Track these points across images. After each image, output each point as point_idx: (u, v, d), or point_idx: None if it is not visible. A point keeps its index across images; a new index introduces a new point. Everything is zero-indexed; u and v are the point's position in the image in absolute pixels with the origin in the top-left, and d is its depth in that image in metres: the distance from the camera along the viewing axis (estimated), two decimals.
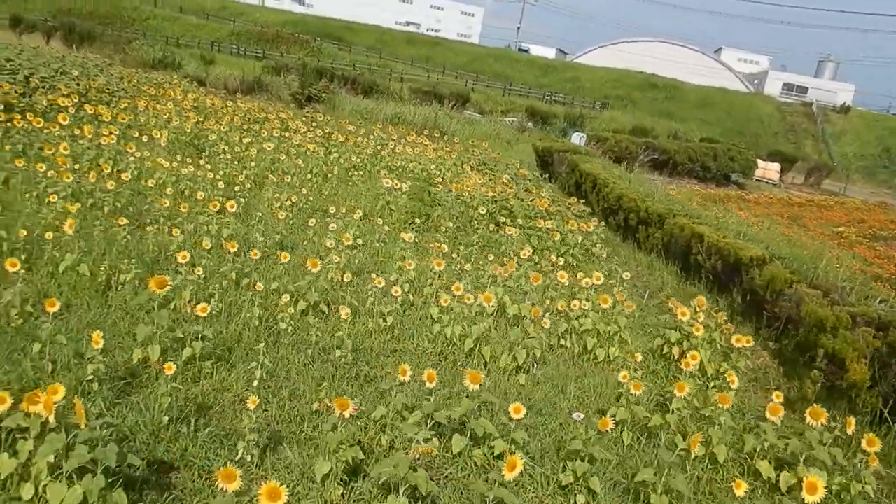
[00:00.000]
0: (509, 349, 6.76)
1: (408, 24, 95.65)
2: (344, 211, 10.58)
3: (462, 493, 4.54)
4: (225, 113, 18.71)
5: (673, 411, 5.79)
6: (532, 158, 24.56)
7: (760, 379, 8.02)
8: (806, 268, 9.80)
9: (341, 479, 4.25)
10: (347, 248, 8.44)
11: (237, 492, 3.35)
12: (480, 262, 9.69)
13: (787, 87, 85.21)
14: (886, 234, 24.16)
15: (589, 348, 7.40)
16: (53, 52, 25.62)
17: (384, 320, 7.08)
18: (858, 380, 7.01)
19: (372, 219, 11.42)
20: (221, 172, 11.50)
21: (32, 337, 5.18)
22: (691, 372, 6.72)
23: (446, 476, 4.72)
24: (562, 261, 10.10)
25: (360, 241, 9.08)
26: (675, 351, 7.48)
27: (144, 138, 12.55)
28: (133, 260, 6.79)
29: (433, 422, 4.85)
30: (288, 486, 3.75)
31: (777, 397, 5.82)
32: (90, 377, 4.72)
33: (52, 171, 8.79)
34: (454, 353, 6.85)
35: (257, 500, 3.27)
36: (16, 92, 14.28)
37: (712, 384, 7.20)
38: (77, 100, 14.40)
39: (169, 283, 5.28)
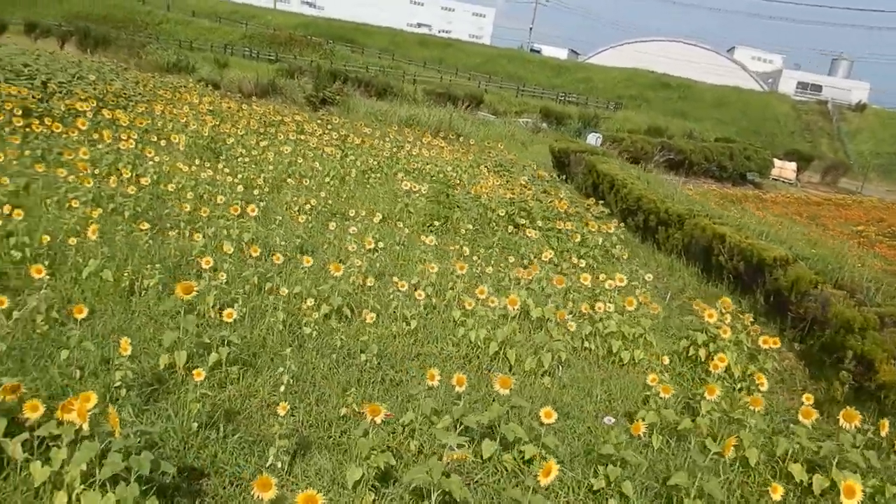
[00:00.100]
0: (534, 352, 6.70)
1: (419, 25, 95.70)
2: (363, 214, 10.55)
3: (494, 499, 4.49)
4: (241, 116, 18.75)
5: (703, 414, 5.72)
6: (547, 159, 24.48)
7: (787, 380, 7.93)
8: (831, 268, 9.70)
9: (372, 486, 4.22)
10: (368, 251, 8.41)
11: (272, 500, 3.31)
12: (501, 265, 9.64)
13: (802, 85, 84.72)
14: None
15: (614, 351, 7.34)
16: (69, 56, 25.81)
17: (407, 324, 7.04)
18: (888, 381, 6.91)
19: (391, 222, 11.39)
20: (240, 176, 11.51)
21: (59, 343, 5.18)
22: (719, 374, 6.66)
23: (476, 481, 4.67)
24: (583, 263, 10.03)
25: (380, 244, 9.04)
26: (702, 353, 7.40)
27: (162, 142, 12.57)
28: (156, 265, 6.79)
29: (462, 426, 4.80)
30: (320, 493, 3.71)
31: (808, 399, 5.75)
32: (118, 383, 4.70)
33: (73, 177, 8.81)
34: (478, 356, 6.80)
35: None
36: (34, 97, 14.37)
37: (739, 386, 7.12)
38: (94, 104, 14.45)
39: (195, 288, 5.25)
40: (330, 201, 11.84)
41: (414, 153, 18.13)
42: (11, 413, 3.75)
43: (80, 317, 4.86)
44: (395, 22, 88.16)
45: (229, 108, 20.05)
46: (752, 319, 7.94)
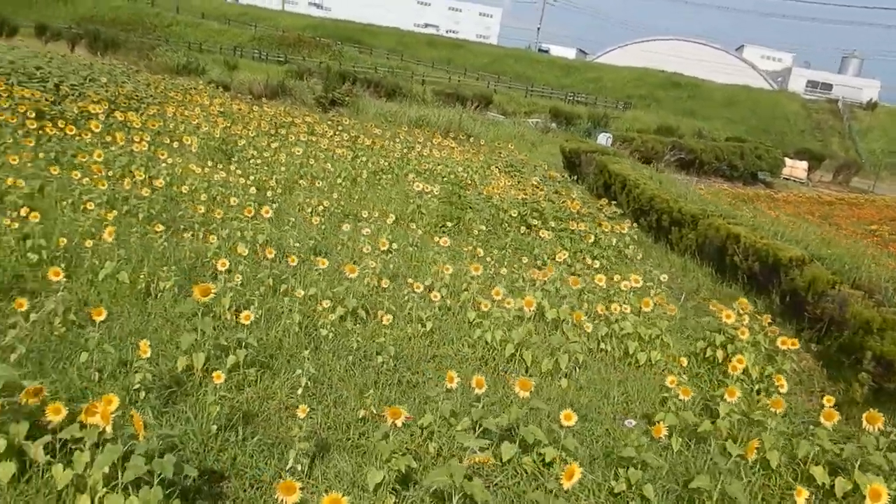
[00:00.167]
0: (550, 353, 6.67)
1: (426, 25, 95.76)
2: (376, 215, 10.53)
3: (514, 502, 4.46)
4: (252, 118, 18.76)
5: (723, 416, 5.68)
6: (558, 160, 24.42)
7: (805, 382, 7.88)
8: (847, 268, 9.63)
9: (392, 488, 4.20)
10: (382, 252, 8.39)
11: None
12: (515, 266, 9.61)
13: (812, 84, 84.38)
14: None
15: (630, 352, 7.30)
16: (80, 59, 25.83)
17: (423, 325, 7.01)
18: None
19: (404, 223, 11.37)
20: (252, 178, 11.51)
21: (78, 346, 5.18)
22: (737, 376, 6.61)
23: (496, 484, 4.64)
24: (597, 263, 9.99)
25: (394, 245, 9.03)
26: (719, 354, 7.35)
27: (175, 144, 12.58)
28: (171, 267, 6.79)
29: (482, 429, 4.77)
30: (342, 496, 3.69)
31: (828, 401, 5.69)
32: (137, 386, 4.70)
33: (87, 179, 8.82)
34: (494, 357, 6.78)
35: None
36: (47, 100, 14.39)
37: (756, 388, 7.07)
38: (107, 107, 14.48)
39: (213, 290, 5.24)
40: (342, 203, 11.83)
41: (425, 154, 18.10)
42: (33, 416, 3.75)
43: (98, 319, 4.85)
44: (402, 22, 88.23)
45: (240, 109, 20.06)
46: (769, 320, 7.88)
